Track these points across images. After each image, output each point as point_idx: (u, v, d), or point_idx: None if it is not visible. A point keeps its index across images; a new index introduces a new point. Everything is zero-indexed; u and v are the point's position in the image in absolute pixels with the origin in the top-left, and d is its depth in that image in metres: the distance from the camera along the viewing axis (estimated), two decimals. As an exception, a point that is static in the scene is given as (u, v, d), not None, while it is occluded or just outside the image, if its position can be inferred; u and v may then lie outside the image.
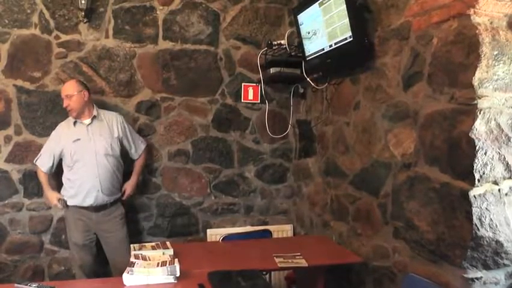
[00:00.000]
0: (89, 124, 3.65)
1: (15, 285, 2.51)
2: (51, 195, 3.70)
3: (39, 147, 3.83)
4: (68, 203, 3.64)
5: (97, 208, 3.64)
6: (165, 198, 4.30)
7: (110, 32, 4.04)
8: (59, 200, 3.64)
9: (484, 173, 2.20)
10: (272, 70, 4.16)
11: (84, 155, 3.58)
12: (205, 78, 4.31)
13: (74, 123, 3.64)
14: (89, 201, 3.60)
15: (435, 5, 2.47)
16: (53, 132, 3.71)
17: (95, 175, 3.58)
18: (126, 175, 3.91)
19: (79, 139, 3.59)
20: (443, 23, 2.41)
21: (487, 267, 2.31)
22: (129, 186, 3.90)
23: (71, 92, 3.56)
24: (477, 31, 2.19)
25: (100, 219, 3.67)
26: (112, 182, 3.69)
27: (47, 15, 3.87)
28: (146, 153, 4.03)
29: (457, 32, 2.31)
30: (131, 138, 3.86)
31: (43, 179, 3.73)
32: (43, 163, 3.68)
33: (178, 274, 2.57)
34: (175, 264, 2.61)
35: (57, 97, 3.88)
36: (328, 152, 3.88)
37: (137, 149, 3.92)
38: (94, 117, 3.67)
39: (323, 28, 3.38)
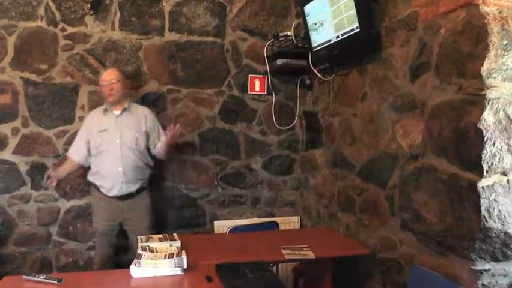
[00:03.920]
0: (119, 115, 3.65)
1: (24, 276, 2.53)
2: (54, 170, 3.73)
3: (47, 139, 3.88)
4: (97, 189, 3.70)
5: (122, 197, 3.66)
6: (172, 190, 4.31)
7: (117, 24, 4.04)
8: (48, 176, 3.64)
9: (492, 164, 2.19)
10: (279, 61, 4.14)
11: (109, 146, 3.59)
12: (212, 70, 4.30)
13: (105, 111, 3.66)
14: (113, 192, 3.63)
15: (443, -6, 2.45)
16: (84, 121, 3.75)
17: (119, 167, 3.59)
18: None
19: (105, 129, 3.60)
20: (451, 12, 2.39)
21: (495, 259, 2.29)
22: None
23: (117, 78, 3.63)
24: (485, 21, 2.16)
25: (126, 207, 3.68)
26: (136, 173, 3.69)
27: (53, 7, 3.87)
28: None
29: (465, 21, 2.29)
30: (158, 135, 3.83)
31: (64, 166, 3.73)
32: (72, 151, 3.71)
33: (185, 266, 2.58)
34: (183, 256, 2.61)
35: (64, 89, 3.92)
36: (335, 143, 3.87)
37: (161, 136, 3.86)
38: (125, 109, 3.67)
39: (330, 19, 3.36)
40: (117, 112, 3.66)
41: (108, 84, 3.58)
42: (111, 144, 3.59)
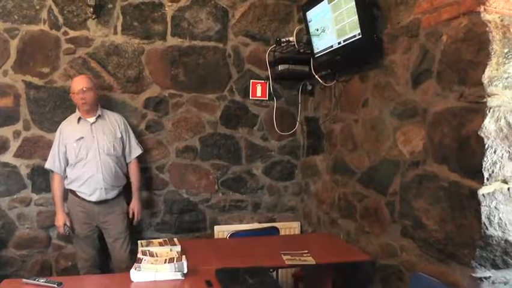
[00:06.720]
0: (94, 123, 3.66)
1: (23, 280, 2.53)
2: (59, 217, 3.67)
3: (48, 143, 3.87)
4: (74, 194, 3.69)
5: (99, 202, 3.67)
6: (173, 195, 4.31)
7: (119, 28, 4.05)
8: (64, 225, 3.64)
9: (493, 172, 2.19)
10: (280, 67, 4.15)
11: (88, 153, 3.61)
12: (214, 75, 4.31)
13: (79, 120, 3.66)
14: (92, 198, 3.64)
15: (445, 2, 2.45)
16: (57, 132, 3.71)
17: (98, 173, 3.61)
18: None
19: (82, 137, 3.61)
20: (453, 20, 2.39)
21: (496, 266, 2.29)
22: (136, 207, 3.89)
23: (89, 85, 3.60)
24: (487, 28, 2.16)
25: (102, 211, 3.70)
26: (114, 179, 3.71)
27: (55, 11, 3.88)
28: (138, 162, 3.96)
29: (466, 29, 2.29)
30: (129, 140, 3.86)
31: (57, 192, 3.71)
32: (51, 164, 3.69)
33: (185, 271, 2.58)
34: (183, 260, 2.61)
35: (65, 93, 3.91)
36: (336, 149, 3.87)
37: (131, 151, 3.89)
38: (99, 116, 3.69)
39: (332, 25, 3.36)
40: (91, 120, 3.67)
41: (79, 93, 3.56)
42: (90, 152, 3.61)
